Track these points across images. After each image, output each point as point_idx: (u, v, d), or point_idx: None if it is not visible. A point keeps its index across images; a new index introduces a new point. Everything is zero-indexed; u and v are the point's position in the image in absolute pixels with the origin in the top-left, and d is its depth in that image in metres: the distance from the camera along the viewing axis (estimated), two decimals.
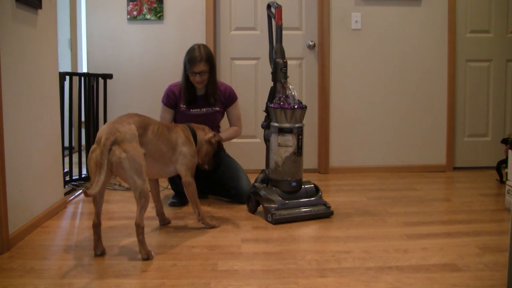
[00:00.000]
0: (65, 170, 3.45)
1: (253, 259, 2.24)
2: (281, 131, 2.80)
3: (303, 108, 2.83)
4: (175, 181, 3.18)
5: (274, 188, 2.86)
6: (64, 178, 3.31)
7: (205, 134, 2.79)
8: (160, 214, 2.78)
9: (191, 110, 3.20)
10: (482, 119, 4.35)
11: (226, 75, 4.21)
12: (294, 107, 2.79)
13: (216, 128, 3.30)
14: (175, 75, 4.11)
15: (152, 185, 2.72)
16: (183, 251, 2.33)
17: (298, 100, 2.86)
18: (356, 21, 4.16)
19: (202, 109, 3.22)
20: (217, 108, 3.25)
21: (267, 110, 2.96)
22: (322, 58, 4.17)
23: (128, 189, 3.56)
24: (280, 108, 2.79)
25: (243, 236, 2.55)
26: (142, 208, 2.21)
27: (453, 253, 2.27)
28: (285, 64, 2.93)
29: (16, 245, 2.38)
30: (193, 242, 2.46)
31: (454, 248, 2.33)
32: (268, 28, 3.18)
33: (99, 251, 2.27)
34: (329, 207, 2.89)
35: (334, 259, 2.21)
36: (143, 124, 2.38)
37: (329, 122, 4.22)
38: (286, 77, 2.93)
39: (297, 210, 2.82)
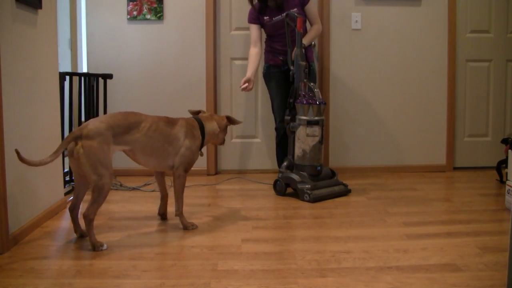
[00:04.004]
0: (65, 170, 3.45)
1: (253, 259, 2.24)
2: (310, 123, 3.23)
3: (325, 104, 3.30)
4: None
5: (301, 172, 3.28)
6: (64, 178, 3.31)
7: (216, 124, 2.77)
8: (161, 214, 2.82)
9: (273, 19, 3.48)
10: (482, 119, 4.35)
11: (226, 75, 4.21)
12: (320, 103, 3.23)
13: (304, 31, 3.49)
14: (176, 75, 4.13)
15: (158, 179, 2.78)
16: (183, 251, 2.34)
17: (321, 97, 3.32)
18: (356, 21, 4.16)
19: (283, 14, 3.44)
20: (295, 10, 3.44)
21: (291, 106, 3.37)
22: (322, 58, 4.17)
23: (129, 189, 3.56)
24: (308, 104, 3.21)
25: (243, 236, 2.55)
26: (94, 202, 2.28)
27: (453, 253, 2.27)
28: (306, 66, 3.35)
29: (16, 245, 2.38)
30: (193, 242, 2.46)
31: (454, 248, 2.33)
32: (286, 33, 3.43)
33: (78, 234, 2.49)
34: (347, 186, 3.41)
35: (334, 259, 2.21)
36: (128, 123, 2.40)
37: (329, 122, 4.22)
38: (307, 77, 3.38)
39: (325, 189, 3.29)
